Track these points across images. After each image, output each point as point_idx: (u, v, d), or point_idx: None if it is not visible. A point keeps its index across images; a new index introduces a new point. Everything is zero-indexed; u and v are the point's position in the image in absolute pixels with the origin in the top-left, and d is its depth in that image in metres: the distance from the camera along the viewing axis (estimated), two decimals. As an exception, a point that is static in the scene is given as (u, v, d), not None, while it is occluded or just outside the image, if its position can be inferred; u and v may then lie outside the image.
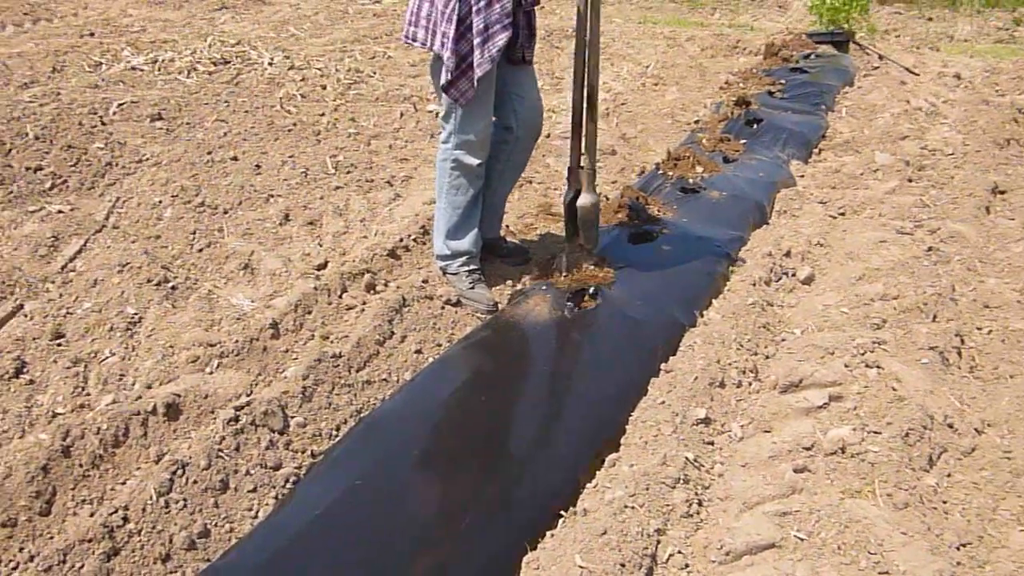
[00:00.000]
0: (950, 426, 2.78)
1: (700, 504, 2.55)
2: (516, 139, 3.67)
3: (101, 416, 2.75)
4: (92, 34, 7.06)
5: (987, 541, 2.37)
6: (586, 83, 3.51)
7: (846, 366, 3.06)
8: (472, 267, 3.73)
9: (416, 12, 3.39)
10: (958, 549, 2.31)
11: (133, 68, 6.12)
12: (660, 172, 5.03)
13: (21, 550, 2.37)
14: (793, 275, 3.92)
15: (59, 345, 3.22)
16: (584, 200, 3.65)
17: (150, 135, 4.98)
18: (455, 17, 3.24)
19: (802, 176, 5.14)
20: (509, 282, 3.88)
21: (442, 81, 3.36)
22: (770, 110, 6.21)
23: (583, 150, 3.64)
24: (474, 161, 3.55)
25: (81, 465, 2.59)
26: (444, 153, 3.60)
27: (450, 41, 3.26)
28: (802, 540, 2.32)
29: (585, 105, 3.56)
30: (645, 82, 7.17)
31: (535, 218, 4.49)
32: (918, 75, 7.32)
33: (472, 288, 3.69)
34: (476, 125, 3.48)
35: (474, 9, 3.23)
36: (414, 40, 3.42)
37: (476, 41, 3.25)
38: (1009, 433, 2.78)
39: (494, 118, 3.68)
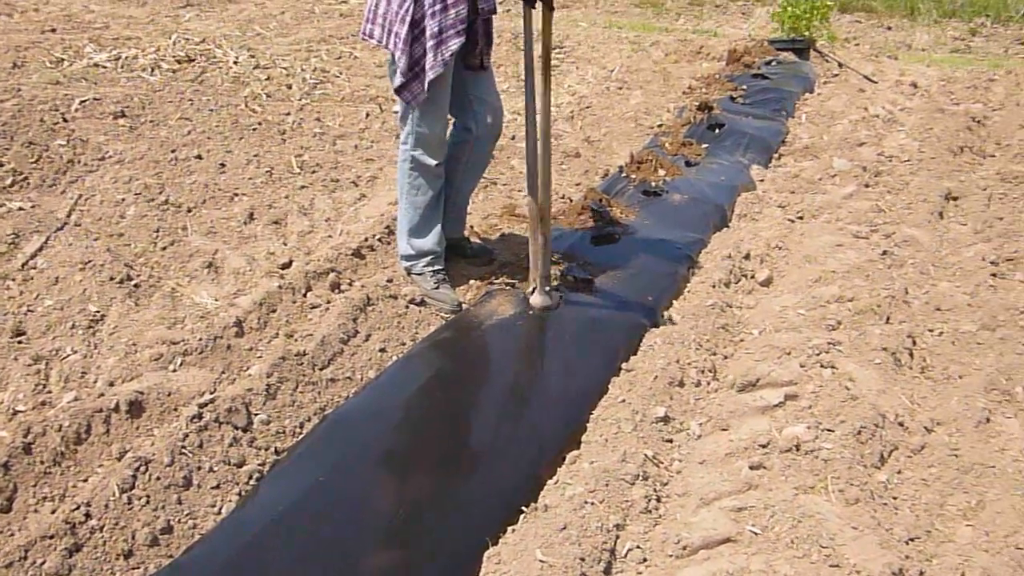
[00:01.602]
0: (901, 424, 2.86)
1: (659, 500, 2.60)
2: (476, 139, 3.71)
3: (63, 413, 2.74)
4: (54, 30, 6.98)
5: (935, 535, 2.45)
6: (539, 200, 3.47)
7: (802, 366, 3.13)
8: (436, 267, 3.76)
9: (374, 10, 3.41)
10: (907, 543, 2.38)
11: (96, 65, 6.06)
12: (623, 175, 5.09)
13: (-19, 547, 2.36)
14: (752, 277, 3.99)
15: (20, 343, 3.20)
16: (533, 300, 3.63)
17: (113, 132, 4.94)
18: (409, 19, 3.27)
19: (762, 180, 5.23)
20: (473, 282, 3.91)
21: (395, 83, 3.40)
22: (732, 115, 6.30)
23: (539, 257, 3.59)
24: (431, 161, 3.59)
25: (43, 462, 2.59)
26: (403, 153, 3.64)
27: (402, 42, 3.29)
28: (757, 534, 2.38)
29: (539, 215, 3.52)
30: (609, 86, 7.23)
31: (499, 219, 4.53)
32: (876, 83, 7.46)
33: (437, 288, 3.72)
34: (432, 126, 3.52)
35: (428, 13, 3.26)
36: (371, 37, 3.45)
37: (429, 44, 3.28)
38: (957, 432, 2.86)
39: (454, 120, 3.72)
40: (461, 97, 3.64)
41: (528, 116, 3.36)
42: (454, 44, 3.29)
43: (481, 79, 3.64)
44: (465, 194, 3.94)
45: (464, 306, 3.73)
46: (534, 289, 3.63)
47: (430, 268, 3.75)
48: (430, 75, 3.31)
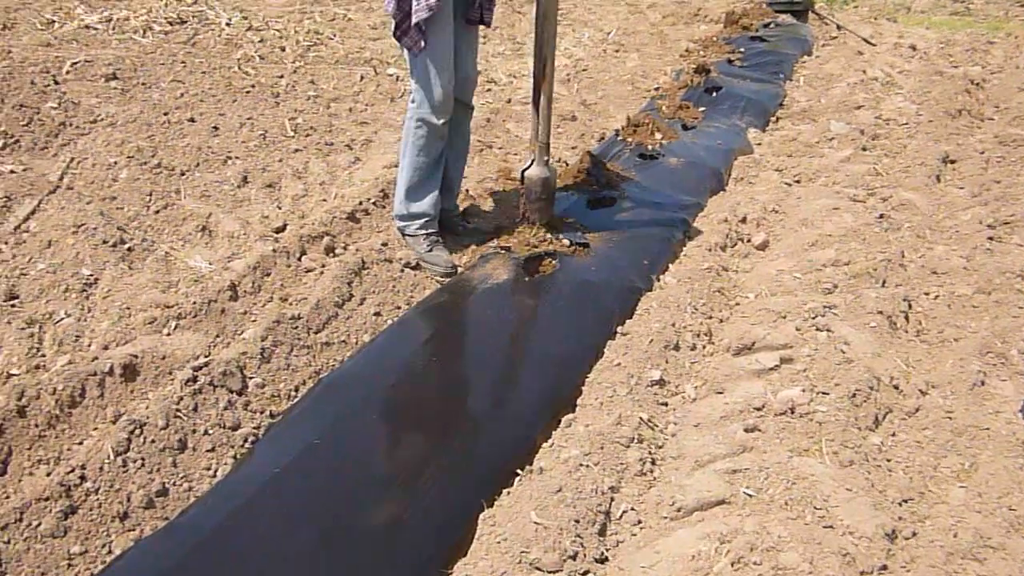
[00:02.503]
0: (895, 387, 2.87)
1: (653, 463, 2.61)
2: None
3: (57, 377, 2.73)
4: (43, -9, 6.89)
5: (927, 497, 2.46)
6: (538, 54, 3.50)
7: (797, 329, 3.12)
8: (431, 230, 3.75)
9: None
10: (900, 505, 2.40)
11: (87, 26, 5.98)
12: (620, 138, 5.06)
13: (-23, 509, 2.36)
14: (748, 241, 3.98)
15: (13, 306, 3.18)
16: (530, 171, 3.67)
17: (105, 95, 4.89)
18: None
19: (759, 144, 5.20)
20: (470, 247, 3.90)
21: (391, 31, 3.39)
22: (729, 78, 6.25)
23: (539, 122, 3.64)
24: (437, 120, 3.55)
25: (37, 425, 2.58)
26: (410, 111, 3.61)
27: None
28: (751, 496, 2.38)
29: (541, 76, 3.55)
30: (606, 48, 7.16)
31: (494, 182, 4.50)
32: (875, 46, 7.40)
33: (430, 251, 3.71)
34: (436, 81, 3.47)
35: None
36: None
37: None
38: (951, 394, 2.87)
39: None
40: None
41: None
42: None
43: (462, 40, 3.57)
44: (447, 161, 3.83)
45: (459, 269, 3.71)
46: (532, 161, 3.62)
47: (423, 231, 3.73)
48: (414, 18, 3.28)
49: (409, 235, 3.76)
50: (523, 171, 3.72)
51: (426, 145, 3.63)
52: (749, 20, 7.73)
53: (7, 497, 2.40)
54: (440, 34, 3.40)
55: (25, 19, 5.95)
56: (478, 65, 3.76)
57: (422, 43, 3.36)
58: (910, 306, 3.37)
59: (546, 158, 3.66)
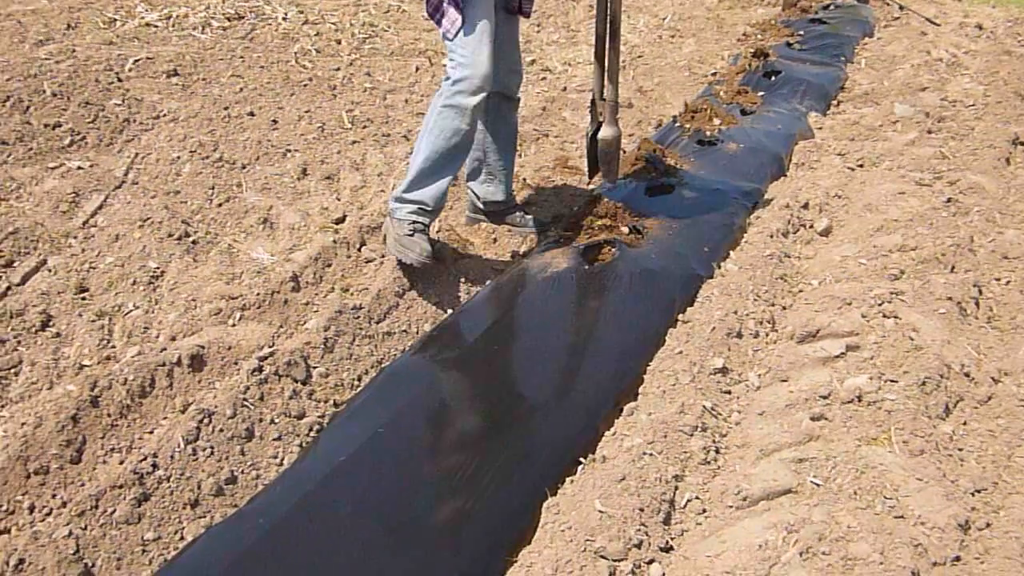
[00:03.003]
0: (967, 375, 2.80)
1: (717, 451, 2.59)
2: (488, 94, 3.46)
3: (127, 367, 2.79)
4: (106, -10, 7.03)
5: (1001, 487, 2.40)
6: (608, 9, 3.45)
7: (863, 316, 3.07)
8: (419, 218, 3.46)
9: None
10: (973, 495, 2.34)
11: (147, 24, 6.09)
12: (677, 125, 5.01)
13: (54, 496, 2.43)
14: (811, 227, 3.91)
15: (83, 299, 3.26)
16: (605, 132, 3.64)
17: (166, 91, 4.98)
18: None
19: (820, 128, 5.11)
20: (528, 236, 3.89)
21: (426, 10, 3.35)
22: (788, 62, 6.15)
23: (606, 81, 3.58)
24: (468, 101, 3.28)
25: (109, 415, 2.65)
26: (441, 89, 3.38)
27: None
28: (818, 486, 2.35)
29: (608, 33, 3.50)
30: (662, 34, 7.09)
31: (552, 171, 4.49)
32: (939, 25, 7.22)
33: (410, 235, 3.42)
34: (475, 58, 3.24)
35: None
36: None
37: None
38: (1026, 382, 2.80)
39: None
40: None
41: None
42: None
43: (502, 31, 3.42)
44: (494, 153, 3.76)
45: (521, 259, 3.71)
46: (600, 123, 3.61)
47: (412, 215, 3.46)
48: None
49: (397, 217, 3.47)
50: (592, 134, 3.68)
51: (450, 130, 3.33)
52: (808, 2, 7.61)
53: (83, 485, 2.47)
54: (479, 10, 3.22)
55: (88, 18, 6.07)
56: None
57: (459, 21, 3.21)
58: (980, 292, 3.28)
59: (617, 116, 3.62)
